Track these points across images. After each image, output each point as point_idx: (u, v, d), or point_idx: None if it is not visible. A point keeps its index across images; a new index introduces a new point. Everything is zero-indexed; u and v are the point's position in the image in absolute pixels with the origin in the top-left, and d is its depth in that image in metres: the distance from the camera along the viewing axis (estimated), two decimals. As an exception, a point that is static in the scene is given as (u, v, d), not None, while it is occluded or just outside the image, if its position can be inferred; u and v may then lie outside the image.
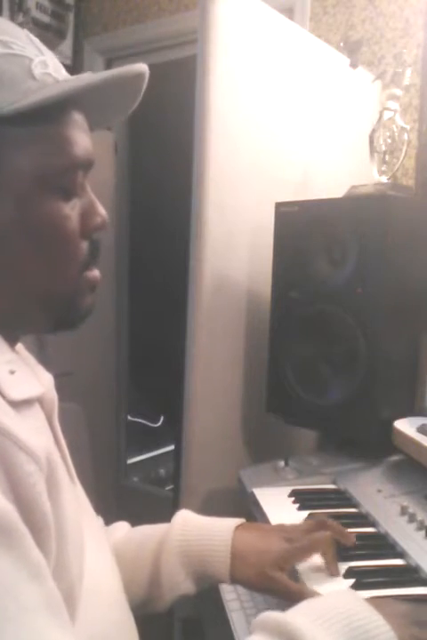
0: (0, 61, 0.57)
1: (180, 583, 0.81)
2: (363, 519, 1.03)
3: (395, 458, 1.24)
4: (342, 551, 0.89)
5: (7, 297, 0.60)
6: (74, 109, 0.61)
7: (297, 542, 0.80)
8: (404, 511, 1.00)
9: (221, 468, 1.44)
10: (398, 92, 1.40)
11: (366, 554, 0.89)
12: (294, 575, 0.82)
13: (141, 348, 2.86)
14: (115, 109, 0.69)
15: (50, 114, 0.59)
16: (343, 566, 0.84)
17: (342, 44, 1.53)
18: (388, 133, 1.43)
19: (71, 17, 2.57)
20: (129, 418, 2.87)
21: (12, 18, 2.36)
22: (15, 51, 0.59)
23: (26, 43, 0.60)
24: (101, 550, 0.72)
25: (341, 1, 1.92)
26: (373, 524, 1.00)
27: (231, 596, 0.97)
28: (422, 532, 0.93)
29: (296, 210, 1.36)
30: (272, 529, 0.87)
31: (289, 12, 1.93)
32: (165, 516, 0.91)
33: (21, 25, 2.66)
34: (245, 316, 1.51)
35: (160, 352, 2.76)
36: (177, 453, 1.75)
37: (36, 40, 0.63)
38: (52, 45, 2.47)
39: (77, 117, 0.62)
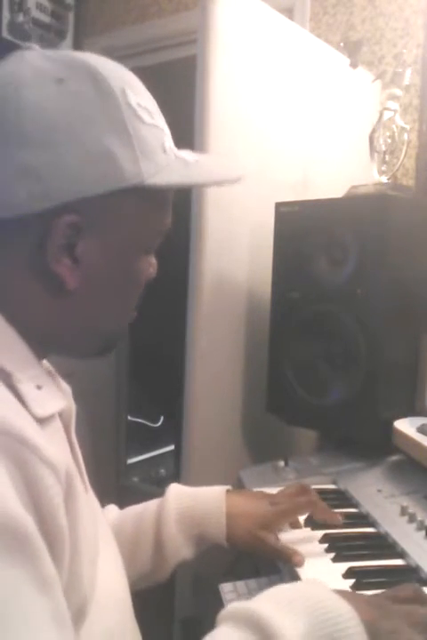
0: (145, 131, 0.59)
1: (180, 548, 0.87)
2: (363, 519, 1.03)
3: (395, 458, 1.24)
4: (343, 551, 0.89)
5: (65, 324, 0.62)
6: None
7: (281, 505, 0.89)
8: (404, 511, 1.00)
9: (221, 468, 1.44)
10: (398, 91, 1.40)
11: (366, 554, 0.90)
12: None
13: (142, 348, 2.85)
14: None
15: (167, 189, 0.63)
16: (343, 566, 0.85)
17: (342, 44, 1.54)
18: (388, 133, 1.43)
19: (71, 17, 2.57)
20: (129, 418, 2.87)
21: (13, 18, 2.36)
22: (156, 121, 0.61)
23: (157, 113, 0.63)
24: (111, 554, 0.73)
25: (341, 1, 1.92)
26: (373, 524, 1.00)
27: (231, 595, 0.97)
28: (423, 532, 0.93)
29: (296, 210, 1.36)
30: (258, 494, 0.94)
31: (289, 12, 1.93)
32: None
33: (21, 25, 2.63)
34: (245, 317, 1.51)
35: (160, 352, 2.76)
36: (177, 453, 1.75)
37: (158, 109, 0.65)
38: (52, 45, 2.47)
39: None
